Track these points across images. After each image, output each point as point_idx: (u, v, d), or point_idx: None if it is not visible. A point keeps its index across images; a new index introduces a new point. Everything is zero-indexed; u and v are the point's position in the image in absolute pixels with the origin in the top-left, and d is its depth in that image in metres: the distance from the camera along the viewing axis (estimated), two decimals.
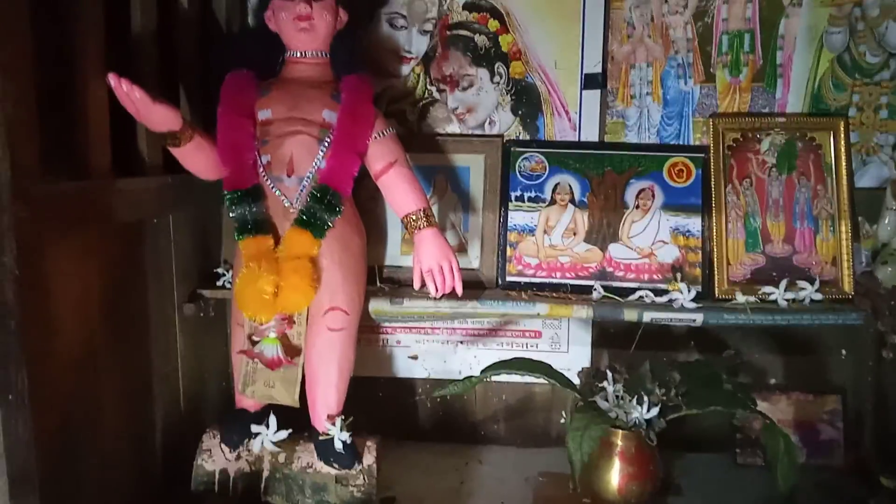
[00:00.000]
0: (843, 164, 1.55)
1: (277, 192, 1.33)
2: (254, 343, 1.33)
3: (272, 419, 1.37)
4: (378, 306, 1.47)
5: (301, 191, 1.33)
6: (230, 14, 1.57)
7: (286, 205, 1.33)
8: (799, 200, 1.56)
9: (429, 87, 1.62)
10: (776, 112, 1.59)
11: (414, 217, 1.37)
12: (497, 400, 1.73)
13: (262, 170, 1.34)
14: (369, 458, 1.38)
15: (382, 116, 1.40)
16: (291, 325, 1.35)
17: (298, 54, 1.39)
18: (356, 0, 1.54)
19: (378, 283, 1.55)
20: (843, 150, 1.55)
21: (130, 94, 1.15)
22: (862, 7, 1.56)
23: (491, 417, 1.74)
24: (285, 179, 1.33)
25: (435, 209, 1.59)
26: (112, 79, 1.13)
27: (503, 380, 1.64)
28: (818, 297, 1.48)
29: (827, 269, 1.54)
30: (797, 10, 1.56)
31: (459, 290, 1.39)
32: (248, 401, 1.40)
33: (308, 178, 1.33)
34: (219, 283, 1.51)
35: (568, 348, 1.69)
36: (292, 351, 1.34)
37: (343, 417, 1.36)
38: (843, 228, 1.54)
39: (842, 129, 1.56)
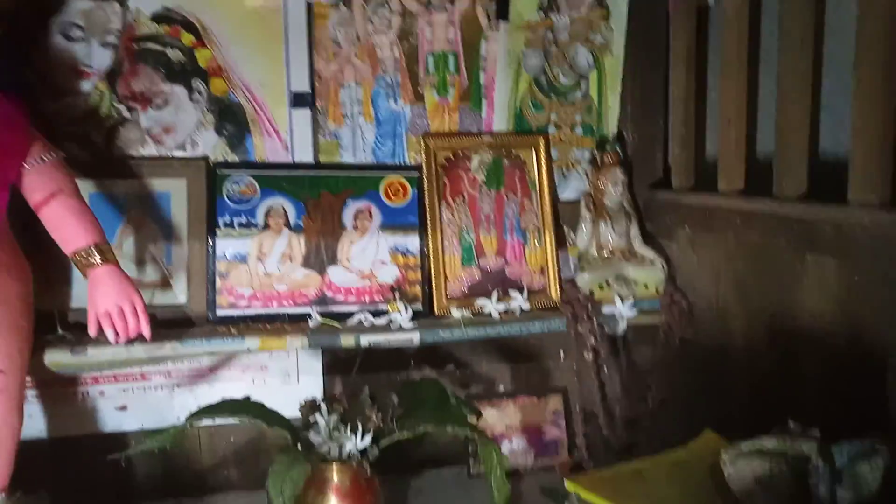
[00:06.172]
0: (546, 178, 1.64)
1: None
2: None
3: None
4: (56, 358, 1.28)
5: None
6: None
7: None
8: (508, 215, 1.63)
9: (116, 105, 1.45)
10: (483, 131, 1.64)
11: (84, 254, 1.20)
12: (225, 444, 1.59)
13: None
14: None
15: (43, 141, 1.22)
16: None
17: None
18: (18, 9, 1.34)
19: (60, 331, 1.35)
20: (544, 165, 1.65)
21: None
22: (553, 31, 1.66)
23: (220, 464, 1.60)
24: None
25: (130, 241, 1.44)
26: None
27: (229, 421, 1.51)
28: (527, 306, 1.55)
29: (537, 279, 1.62)
30: (496, 33, 1.62)
31: (147, 333, 1.25)
32: None
33: None
34: None
35: (298, 379, 1.60)
36: None
37: (6, 495, 1.15)
38: (548, 240, 1.63)
39: (542, 146, 1.65)
